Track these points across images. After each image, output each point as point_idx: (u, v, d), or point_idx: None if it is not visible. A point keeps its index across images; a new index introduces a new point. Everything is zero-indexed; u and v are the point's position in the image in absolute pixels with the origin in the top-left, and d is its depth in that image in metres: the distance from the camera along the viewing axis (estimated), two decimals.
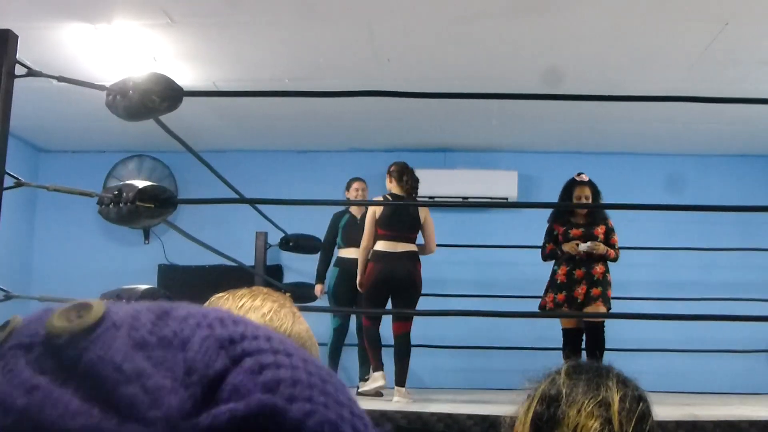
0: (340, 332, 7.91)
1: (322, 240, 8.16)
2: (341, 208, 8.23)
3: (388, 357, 6.96)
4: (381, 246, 6.97)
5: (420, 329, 7.69)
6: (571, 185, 6.96)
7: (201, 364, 0.49)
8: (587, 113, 8.57)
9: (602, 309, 6.79)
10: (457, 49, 7.10)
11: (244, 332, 0.53)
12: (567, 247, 6.83)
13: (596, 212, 6.96)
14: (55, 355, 0.48)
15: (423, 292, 7.10)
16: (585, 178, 6.95)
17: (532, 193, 9.71)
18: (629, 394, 1.66)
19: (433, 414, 4.63)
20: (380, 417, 4.62)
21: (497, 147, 10.03)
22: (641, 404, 1.66)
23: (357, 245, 7.30)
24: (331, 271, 8.05)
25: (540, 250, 7.13)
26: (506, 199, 9.70)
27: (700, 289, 8.99)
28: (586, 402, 1.62)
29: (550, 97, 6.48)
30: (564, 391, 1.65)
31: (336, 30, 6.80)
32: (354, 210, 8.02)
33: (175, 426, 0.46)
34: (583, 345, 6.87)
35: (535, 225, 7.60)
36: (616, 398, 1.63)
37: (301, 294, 8.57)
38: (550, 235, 7.07)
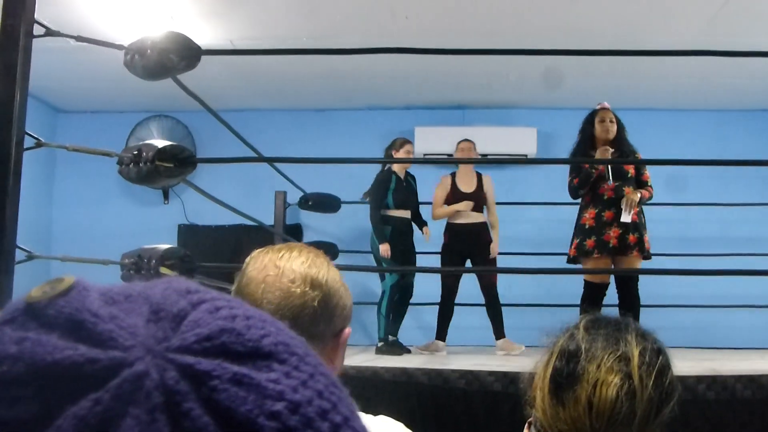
0: (397, 286, 7.74)
1: (374, 202, 7.85)
2: (378, 169, 8.10)
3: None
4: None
5: (439, 287, 7.72)
6: (594, 112, 6.70)
7: (165, 305, 0.58)
8: (606, 69, 8.52)
9: (638, 261, 6.48)
10: (475, 5, 7.05)
11: (199, 288, 0.61)
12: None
13: (623, 145, 6.58)
14: (36, 317, 0.55)
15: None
16: (607, 105, 6.70)
17: (551, 150, 9.66)
18: (648, 347, 1.67)
19: (454, 371, 4.66)
20: (401, 374, 4.65)
21: (516, 104, 9.99)
22: (660, 357, 1.67)
23: (404, 206, 7.83)
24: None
25: (568, 189, 6.69)
26: (525, 156, 9.68)
27: (720, 244, 8.96)
28: (606, 357, 1.62)
29: (568, 52, 6.44)
30: (583, 347, 1.65)
31: None
32: (398, 172, 7.92)
33: (150, 348, 0.54)
34: (607, 301, 6.55)
35: (555, 182, 7.58)
36: (635, 352, 1.63)
37: None
38: (576, 169, 6.63)
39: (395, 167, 7.91)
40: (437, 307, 7.66)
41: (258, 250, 1.80)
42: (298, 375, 0.56)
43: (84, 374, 0.51)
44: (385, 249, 7.63)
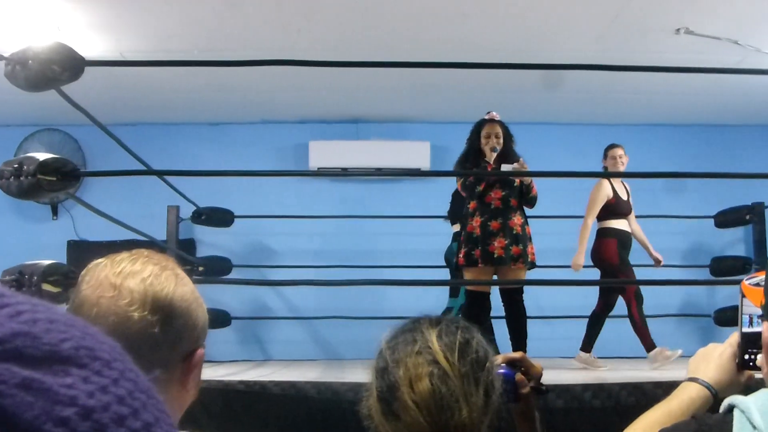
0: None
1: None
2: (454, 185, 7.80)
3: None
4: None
5: (341, 301, 7.70)
6: (481, 124, 6.72)
7: None
8: (498, 83, 8.61)
9: (522, 272, 6.48)
10: (367, 18, 7.07)
11: (5, 293, 0.57)
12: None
13: (509, 153, 6.60)
14: None
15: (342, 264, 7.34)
16: (495, 116, 6.72)
17: (444, 164, 9.71)
18: (444, 328, 1.74)
19: (343, 384, 4.65)
20: (290, 387, 4.62)
21: (409, 118, 10.04)
22: (459, 332, 1.73)
23: None
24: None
25: (462, 187, 6.66)
26: (419, 169, 9.74)
27: None
28: (408, 355, 1.69)
29: (461, 65, 6.47)
30: (389, 357, 1.72)
31: (245, 0, 6.72)
32: None
33: None
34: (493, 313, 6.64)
35: (448, 195, 7.62)
36: (433, 338, 1.70)
37: (214, 267, 8.53)
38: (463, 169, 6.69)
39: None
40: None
41: (96, 261, 1.56)
42: (97, 380, 0.54)
43: None
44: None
